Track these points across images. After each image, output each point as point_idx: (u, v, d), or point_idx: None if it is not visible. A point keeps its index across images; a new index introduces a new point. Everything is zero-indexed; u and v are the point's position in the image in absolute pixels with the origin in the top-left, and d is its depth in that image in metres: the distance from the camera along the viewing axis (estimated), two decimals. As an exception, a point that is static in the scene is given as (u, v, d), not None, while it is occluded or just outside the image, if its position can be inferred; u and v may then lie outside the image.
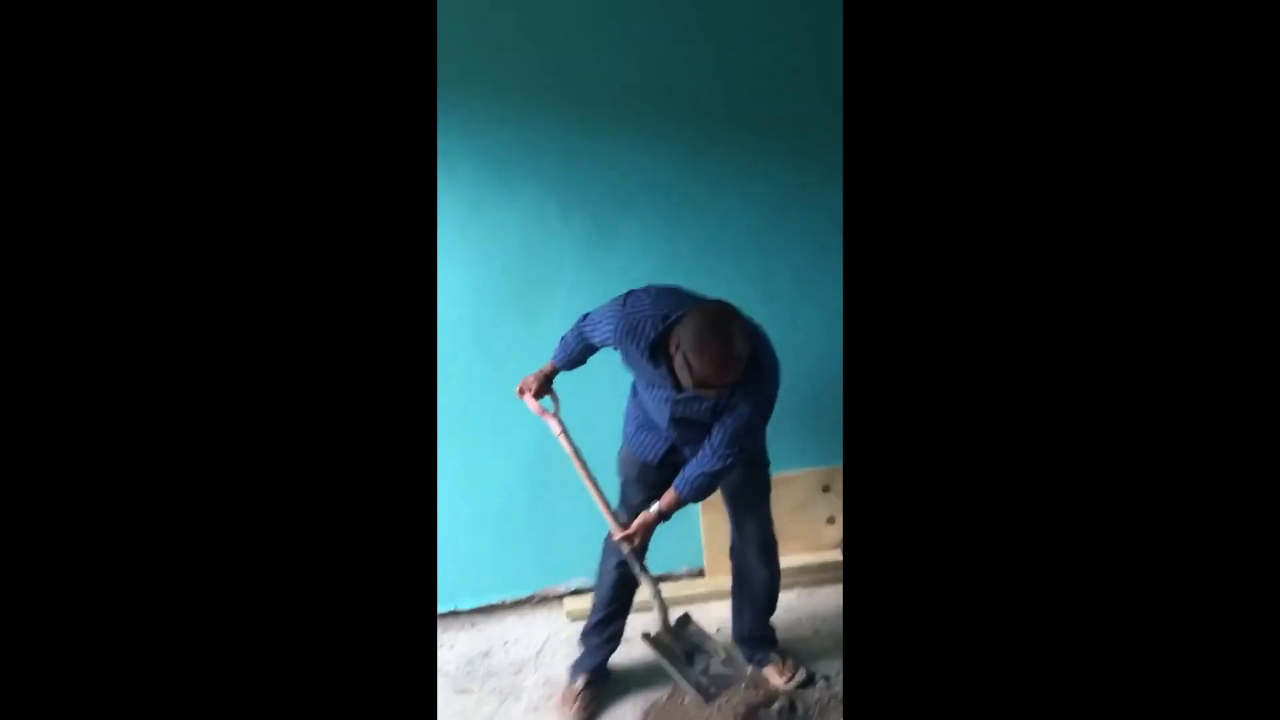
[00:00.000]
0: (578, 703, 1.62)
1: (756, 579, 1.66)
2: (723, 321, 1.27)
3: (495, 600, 2.04)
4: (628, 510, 1.58)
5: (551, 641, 1.87)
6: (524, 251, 1.92)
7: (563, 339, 1.58)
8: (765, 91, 1.95)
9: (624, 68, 1.87)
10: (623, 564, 1.54)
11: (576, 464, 1.55)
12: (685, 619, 1.59)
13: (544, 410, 1.60)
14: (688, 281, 1.96)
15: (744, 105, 1.94)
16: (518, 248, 1.91)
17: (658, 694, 1.64)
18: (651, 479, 1.56)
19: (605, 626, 1.66)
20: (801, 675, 1.66)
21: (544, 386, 1.60)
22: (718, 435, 1.40)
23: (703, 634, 1.59)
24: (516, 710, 1.66)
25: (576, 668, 1.68)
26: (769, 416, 1.46)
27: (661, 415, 1.50)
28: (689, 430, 1.47)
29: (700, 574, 2.16)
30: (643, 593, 1.58)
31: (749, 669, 1.61)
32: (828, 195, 2.03)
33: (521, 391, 1.61)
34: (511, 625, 1.95)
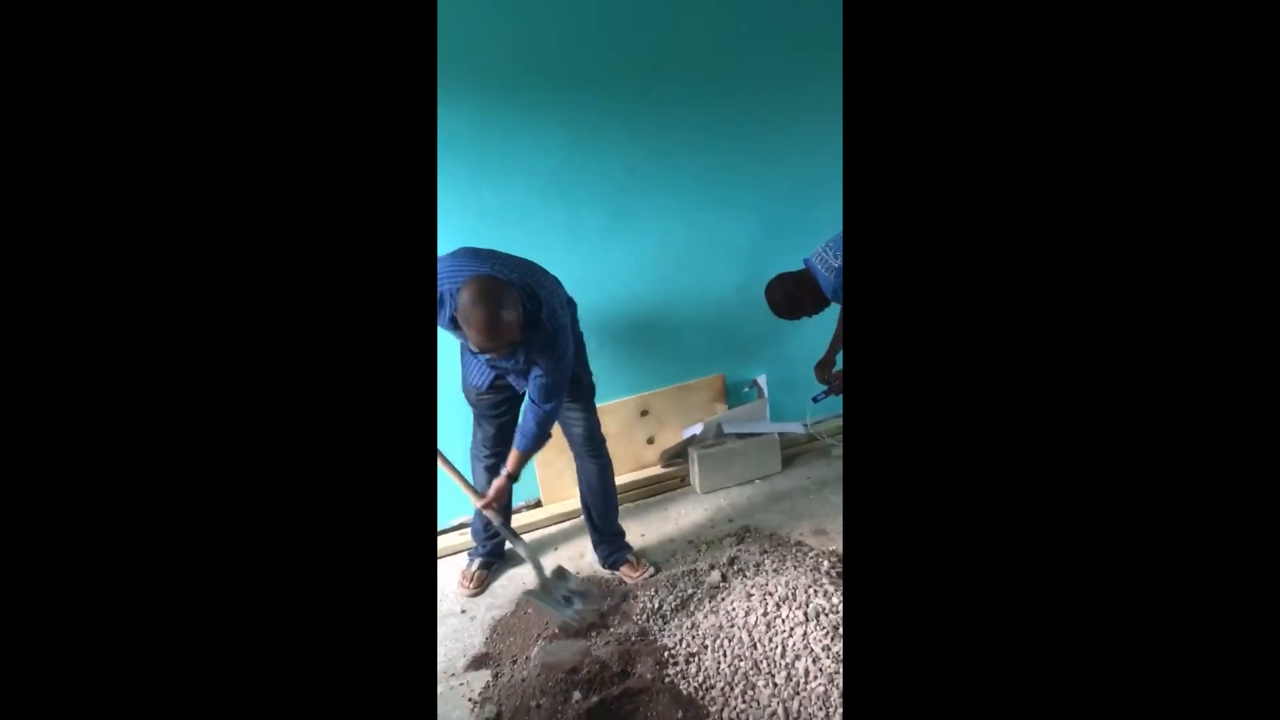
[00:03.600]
0: (473, 580, 1.97)
1: (589, 471, 1.91)
2: (486, 293, 1.38)
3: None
4: (484, 438, 1.86)
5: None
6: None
7: None
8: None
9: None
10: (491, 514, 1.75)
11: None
12: (560, 571, 1.86)
13: None
14: (488, 227, 2.05)
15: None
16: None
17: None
18: (490, 401, 1.80)
19: (488, 531, 1.97)
20: (649, 569, 1.93)
21: None
22: (531, 390, 1.60)
23: (577, 580, 1.86)
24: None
25: (471, 555, 2.02)
26: (568, 366, 1.64)
27: (483, 374, 1.73)
28: (508, 375, 1.71)
29: (538, 504, 2.34)
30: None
31: (608, 601, 1.84)
32: (625, 152, 2.19)
33: None
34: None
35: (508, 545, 1.95)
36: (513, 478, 1.70)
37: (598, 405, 2.04)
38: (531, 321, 1.50)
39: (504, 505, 1.74)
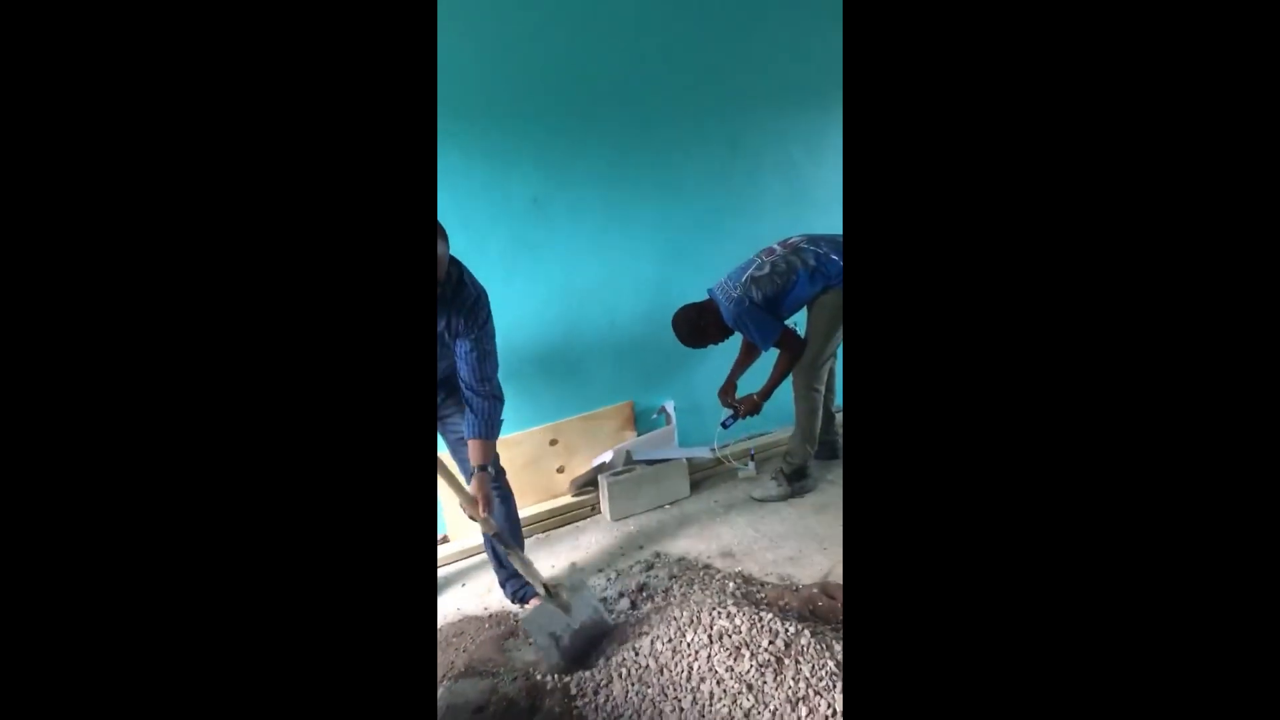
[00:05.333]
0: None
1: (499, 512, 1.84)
2: None
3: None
4: (448, 428, 1.81)
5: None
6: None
7: None
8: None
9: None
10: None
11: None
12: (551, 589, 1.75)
13: None
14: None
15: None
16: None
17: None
18: (444, 394, 1.79)
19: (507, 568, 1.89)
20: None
21: None
22: (464, 374, 1.61)
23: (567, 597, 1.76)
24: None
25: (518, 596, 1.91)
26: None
27: None
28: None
29: (444, 539, 2.28)
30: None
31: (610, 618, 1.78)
32: (528, 182, 2.21)
33: None
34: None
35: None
36: (484, 468, 1.67)
37: (506, 437, 2.02)
38: (456, 286, 1.53)
39: (488, 499, 1.69)
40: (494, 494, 1.74)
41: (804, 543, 2.08)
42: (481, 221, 2.16)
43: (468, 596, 1.97)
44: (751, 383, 2.40)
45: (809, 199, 2.78)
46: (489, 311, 1.61)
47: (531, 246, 2.27)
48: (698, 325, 2.26)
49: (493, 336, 1.64)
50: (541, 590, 1.71)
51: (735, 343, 2.43)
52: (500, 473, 1.80)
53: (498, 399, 1.67)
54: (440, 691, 1.56)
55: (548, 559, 2.14)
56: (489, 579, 2.02)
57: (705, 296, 2.32)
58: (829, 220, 2.69)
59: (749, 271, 2.22)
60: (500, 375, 2.27)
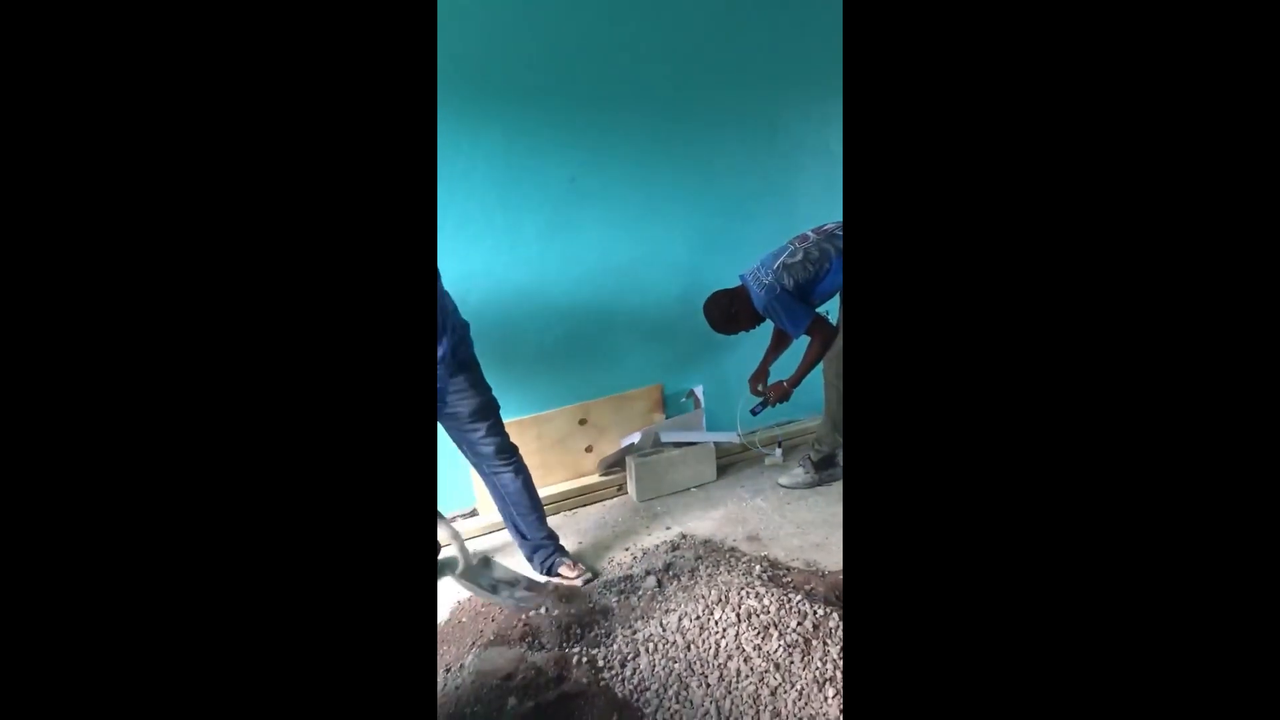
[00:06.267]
0: (576, 568, 1.96)
1: (504, 481, 1.89)
2: None
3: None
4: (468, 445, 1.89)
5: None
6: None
7: None
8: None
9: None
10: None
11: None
12: (486, 560, 1.80)
13: None
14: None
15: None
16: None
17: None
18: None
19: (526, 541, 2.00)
20: (587, 573, 1.93)
21: None
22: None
23: (504, 569, 1.81)
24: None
25: (550, 555, 2.00)
26: (464, 353, 1.73)
27: None
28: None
29: (474, 513, 2.32)
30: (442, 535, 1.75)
31: (549, 582, 1.83)
32: (564, 163, 2.22)
33: None
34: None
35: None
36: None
37: (539, 414, 2.05)
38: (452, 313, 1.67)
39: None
40: (507, 469, 1.87)
41: (831, 530, 2.08)
42: (519, 201, 2.18)
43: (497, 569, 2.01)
44: (783, 371, 2.40)
45: (846, 186, 2.75)
46: (454, 336, 1.68)
47: (567, 227, 2.28)
48: (729, 311, 2.26)
49: (464, 353, 1.74)
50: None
51: (765, 330, 2.42)
52: (513, 450, 1.88)
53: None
54: (469, 659, 1.60)
55: (574, 536, 2.17)
56: (518, 555, 2.06)
57: (737, 282, 2.32)
58: (865, 208, 2.66)
59: (781, 258, 2.20)
60: (532, 354, 2.31)
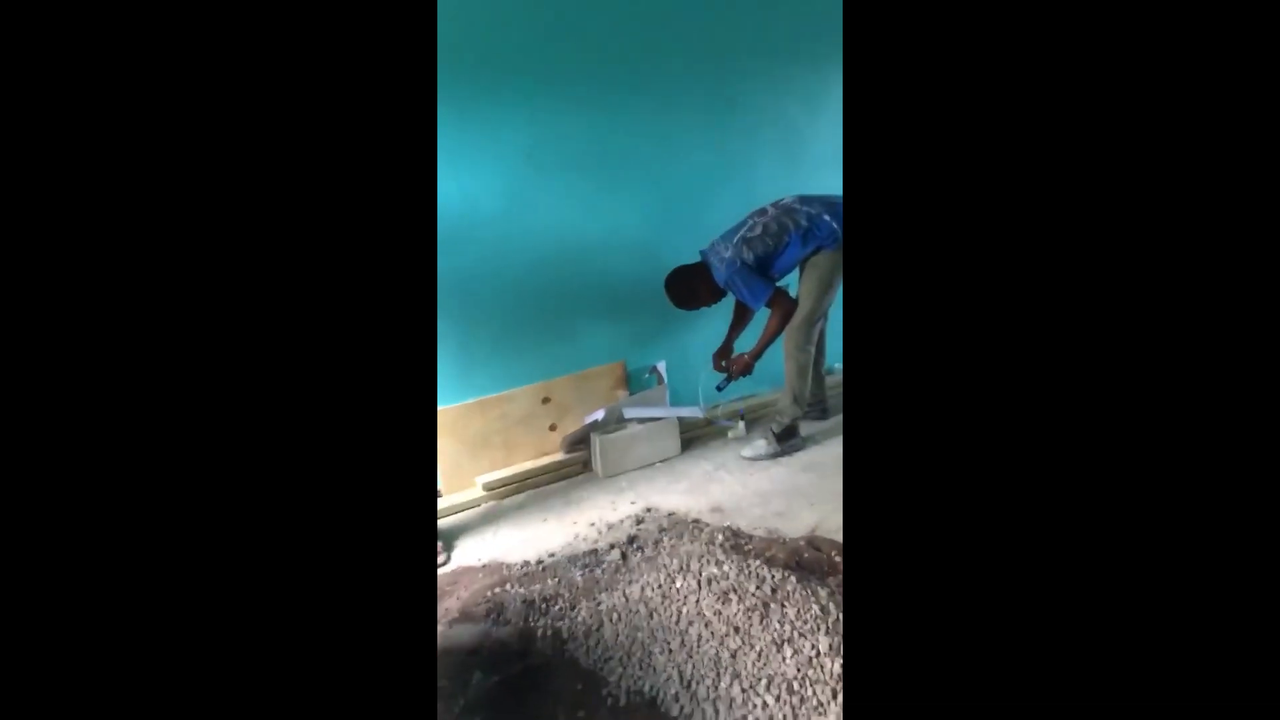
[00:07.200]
0: None
1: None
2: None
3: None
4: None
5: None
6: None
7: None
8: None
9: None
10: None
11: None
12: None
13: None
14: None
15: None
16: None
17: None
18: None
19: None
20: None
21: None
22: None
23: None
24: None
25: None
26: None
27: None
28: None
29: (438, 495, 2.31)
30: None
31: None
32: (521, 136, 2.19)
33: None
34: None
35: None
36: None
37: (502, 393, 2.03)
38: None
39: None
40: None
41: (792, 499, 2.12)
42: (474, 178, 2.15)
43: (462, 549, 2.01)
44: (747, 346, 2.43)
45: (806, 156, 2.77)
46: None
47: (525, 204, 2.26)
48: (690, 286, 2.27)
49: None
50: None
51: (726, 306, 2.44)
52: None
53: None
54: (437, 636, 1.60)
55: (539, 513, 2.18)
56: (483, 532, 2.06)
57: (698, 258, 2.33)
58: (825, 178, 2.68)
59: (741, 232, 2.22)
60: (494, 334, 2.30)
